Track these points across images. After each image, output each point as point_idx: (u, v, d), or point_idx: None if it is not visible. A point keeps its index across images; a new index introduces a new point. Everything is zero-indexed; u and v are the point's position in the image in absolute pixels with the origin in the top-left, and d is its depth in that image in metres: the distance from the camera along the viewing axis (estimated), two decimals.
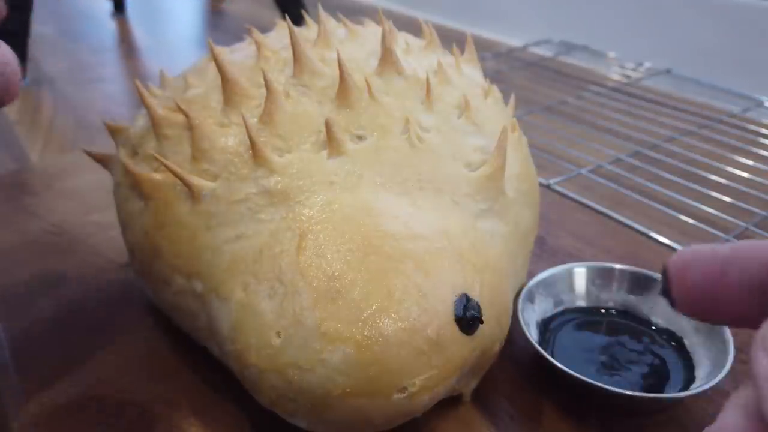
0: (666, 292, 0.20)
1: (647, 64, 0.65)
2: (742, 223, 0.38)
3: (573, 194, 0.41)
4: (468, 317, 0.21)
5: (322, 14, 0.30)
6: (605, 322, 0.28)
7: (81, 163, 0.44)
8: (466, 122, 0.26)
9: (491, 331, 0.23)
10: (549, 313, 0.28)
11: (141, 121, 0.29)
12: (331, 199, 0.23)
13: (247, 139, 0.23)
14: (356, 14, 0.41)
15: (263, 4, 0.88)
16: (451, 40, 0.36)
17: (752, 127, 0.52)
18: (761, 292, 0.17)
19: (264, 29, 0.32)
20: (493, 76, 0.61)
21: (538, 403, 0.26)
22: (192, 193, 0.24)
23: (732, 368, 0.24)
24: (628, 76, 0.64)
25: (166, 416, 0.25)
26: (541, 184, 0.36)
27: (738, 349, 0.25)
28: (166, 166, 0.24)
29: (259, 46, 0.28)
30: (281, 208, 0.23)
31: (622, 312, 0.29)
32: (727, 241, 0.36)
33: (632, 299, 0.29)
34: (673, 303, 0.20)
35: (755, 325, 0.17)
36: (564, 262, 0.30)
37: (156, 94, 0.29)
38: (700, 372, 0.25)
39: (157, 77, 0.32)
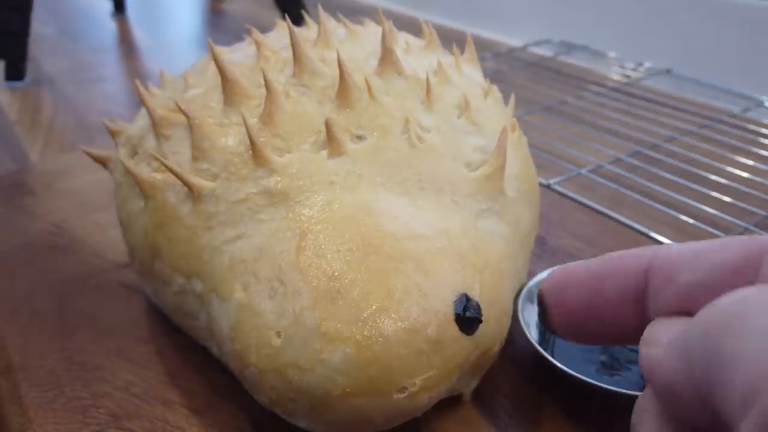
0: (545, 320, 0.19)
1: (647, 64, 0.65)
2: (742, 223, 0.38)
3: (573, 194, 0.41)
4: (468, 317, 0.21)
5: (322, 14, 0.30)
6: None
7: (81, 163, 0.44)
8: (466, 122, 0.26)
9: (491, 331, 0.23)
10: None
11: (141, 121, 0.29)
12: (331, 199, 0.23)
13: (247, 139, 0.23)
14: (356, 14, 0.41)
15: (263, 4, 0.88)
16: (451, 40, 0.36)
17: (752, 127, 0.52)
18: (635, 301, 0.17)
19: (264, 29, 0.32)
20: (493, 76, 0.61)
21: (538, 403, 0.26)
22: (192, 193, 0.24)
23: None
24: (628, 76, 0.64)
25: (166, 416, 0.25)
26: (541, 184, 0.36)
27: None
28: (166, 166, 0.24)
29: (259, 46, 0.28)
30: (281, 208, 0.23)
31: None
32: None
33: None
34: (554, 331, 0.19)
35: (636, 338, 0.16)
36: (564, 262, 0.30)
37: (156, 94, 0.29)
38: None
39: (157, 77, 0.32)
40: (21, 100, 0.59)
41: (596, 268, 0.18)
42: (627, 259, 0.17)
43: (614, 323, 0.17)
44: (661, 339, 0.14)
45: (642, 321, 0.16)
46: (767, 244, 0.14)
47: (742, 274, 0.14)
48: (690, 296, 0.15)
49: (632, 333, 0.17)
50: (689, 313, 0.14)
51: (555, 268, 0.19)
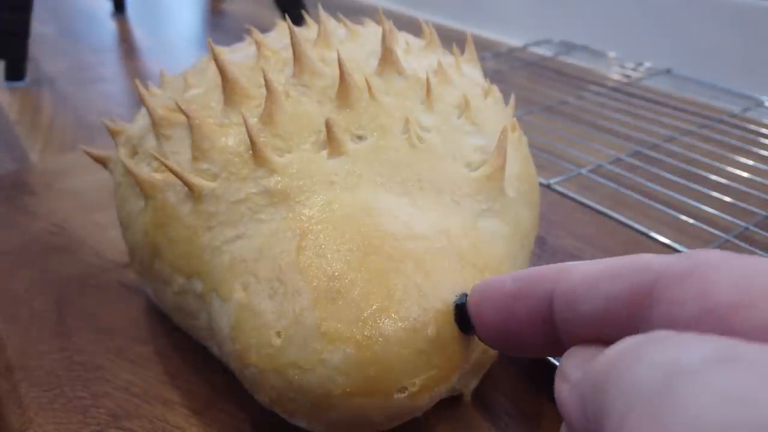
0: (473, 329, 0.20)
1: (647, 64, 0.65)
2: (742, 223, 0.38)
3: (573, 194, 0.41)
4: (468, 317, 0.21)
5: (322, 14, 0.30)
6: None
7: (81, 163, 0.44)
8: (466, 122, 0.26)
9: None
10: None
11: (141, 121, 0.29)
12: (331, 199, 0.23)
13: (247, 139, 0.23)
14: (356, 14, 0.41)
15: (263, 4, 0.88)
16: (451, 40, 0.36)
17: (752, 127, 0.52)
18: (546, 324, 0.17)
19: (264, 29, 0.32)
20: (493, 76, 0.61)
21: (538, 403, 0.26)
22: (192, 193, 0.24)
23: None
24: (628, 76, 0.64)
25: (166, 416, 0.25)
26: (541, 184, 0.36)
27: None
28: (166, 166, 0.24)
29: (259, 46, 0.28)
30: (281, 208, 0.23)
31: None
32: (727, 241, 0.36)
33: None
34: (483, 342, 0.20)
35: (559, 352, 0.17)
36: (564, 262, 0.30)
37: (156, 94, 0.29)
38: None
39: (157, 77, 0.32)
40: (21, 100, 0.59)
41: (509, 288, 0.18)
42: (535, 281, 0.17)
43: (532, 341, 0.18)
44: (572, 375, 0.15)
45: (558, 340, 0.17)
46: (659, 272, 0.14)
47: (635, 306, 0.14)
48: (593, 327, 0.15)
49: (553, 349, 0.17)
50: (602, 340, 0.15)
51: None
